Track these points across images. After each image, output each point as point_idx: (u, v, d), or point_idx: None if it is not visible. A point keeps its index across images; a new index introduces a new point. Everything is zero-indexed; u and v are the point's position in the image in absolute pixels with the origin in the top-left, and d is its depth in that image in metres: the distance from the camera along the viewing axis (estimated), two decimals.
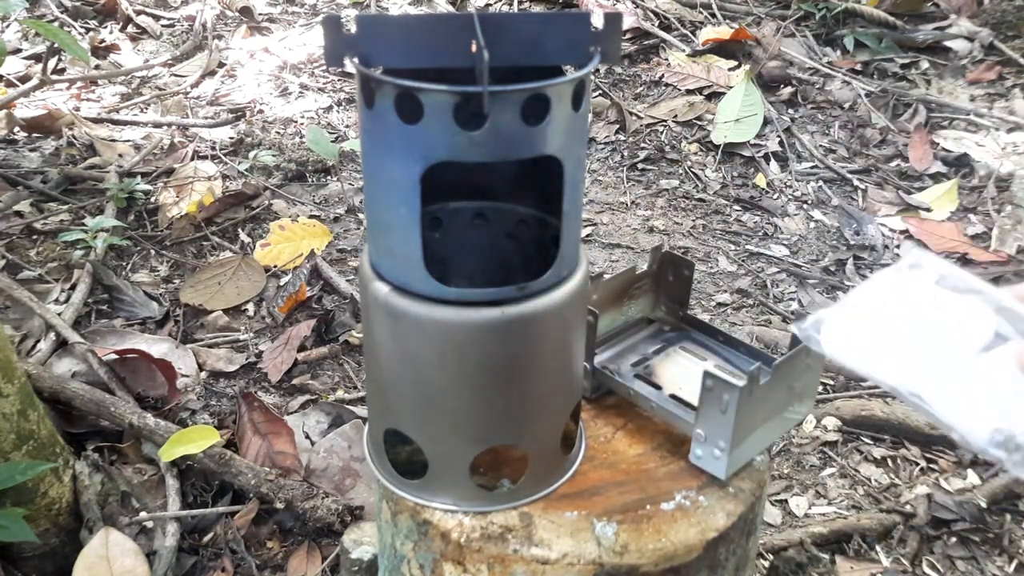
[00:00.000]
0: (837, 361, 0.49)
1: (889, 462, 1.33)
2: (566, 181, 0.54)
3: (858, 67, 2.51)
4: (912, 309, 0.50)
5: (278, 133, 2.18)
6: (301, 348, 1.45)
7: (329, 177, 2.02)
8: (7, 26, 2.66)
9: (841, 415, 1.37)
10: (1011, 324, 0.49)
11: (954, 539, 1.20)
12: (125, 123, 2.22)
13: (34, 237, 1.71)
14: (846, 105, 2.34)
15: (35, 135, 2.10)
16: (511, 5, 2.82)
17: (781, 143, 2.16)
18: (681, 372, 0.74)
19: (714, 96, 2.33)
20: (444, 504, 0.62)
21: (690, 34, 2.64)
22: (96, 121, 2.20)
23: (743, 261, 1.78)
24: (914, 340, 0.49)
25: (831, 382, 1.44)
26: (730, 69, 2.43)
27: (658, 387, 0.72)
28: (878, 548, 1.19)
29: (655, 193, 2.02)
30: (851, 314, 0.51)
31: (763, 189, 2.03)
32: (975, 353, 0.48)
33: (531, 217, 0.69)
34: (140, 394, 1.29)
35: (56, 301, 1.52)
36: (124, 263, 1.67)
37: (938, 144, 2.15)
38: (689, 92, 2.36)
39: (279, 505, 1.12)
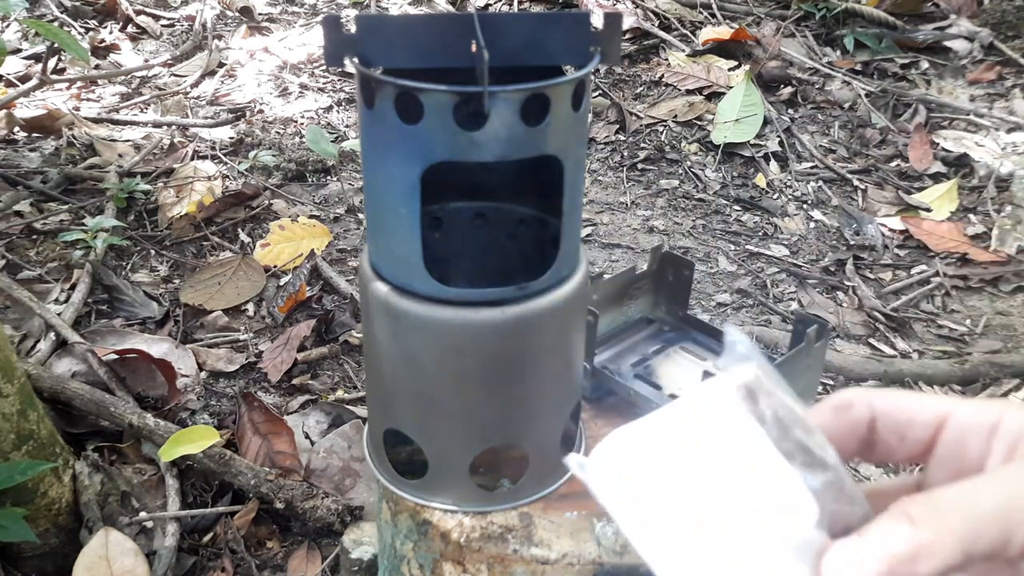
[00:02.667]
0: (599, 501, 0.36)
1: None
2: (566, 181, 0.54)
3: (858, 67, 2.51)
4: (722, 465, 0.35)
5: (278, 133, 2.18)
6: (301, 348, 1.45)
7: (329, 177, 2.02)
8: (7, 26, 2.66)
9: None
10: (826, 504, 0.35)
11: None
12: (125, 123, 2.22)
13: (34, 237, 1.71)
14: (846, 105, 2.34)
15: (35, 135, 2.10)
16: (511, 5, 2.82)
17: (781, 143, 2.16)
18: (681, 372, 0.74)
19: (714, 96, 2.33)
20: (444, 504, 0.62)
21: (690, 34, 2.64)
22: (96, 121, 2.20)
23: (743, 261, 1.78)
24: (708, 507, 0.34)
25: (831, 382, 1.44)
26: (730, 69, 2.43)
27: (658, 387, 0.72)
28: None
29: (655, 193, 2.02)
30: (634, 441, 0.36)
31: (763, 189, 2.03)
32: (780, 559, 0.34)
33: (531, 217, 0.69)
34: (140, 394, 1.29)
35: (56, 301, 1.52)
36: (124, 263, 1.67)
37: (938, 144, 2.15)
38: (689, 92, 2.36)
39: (279, 505, 1.12)
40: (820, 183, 2.06)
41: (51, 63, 2.35)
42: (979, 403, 0.37)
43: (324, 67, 2.56)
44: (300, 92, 2.42)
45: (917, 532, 0.32)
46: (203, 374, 1.40)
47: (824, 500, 0.35)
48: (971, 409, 0.37)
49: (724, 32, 2.55)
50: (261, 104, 2.35)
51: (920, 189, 2.02)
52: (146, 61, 2.60)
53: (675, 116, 2.27)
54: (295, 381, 1.40)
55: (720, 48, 2.52)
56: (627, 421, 0.62)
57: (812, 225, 1.92)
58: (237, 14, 2.89)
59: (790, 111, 2.32)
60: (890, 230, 1.88)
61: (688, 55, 2.51)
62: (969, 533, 0.32)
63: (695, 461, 0.35)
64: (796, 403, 0.37)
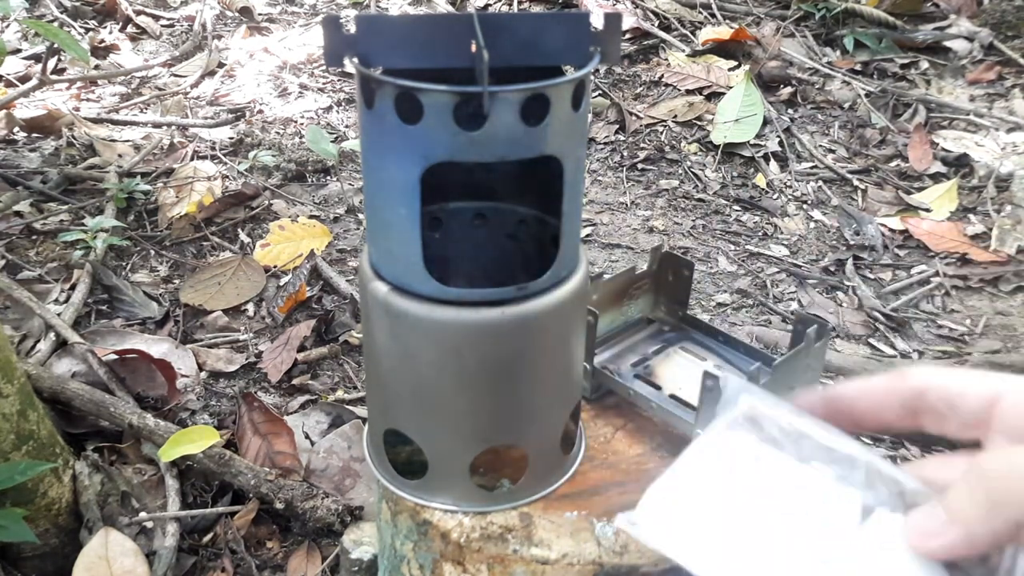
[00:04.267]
0: (660, 552, 0.38)
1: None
2: (566, 181, 0.54)
3: (858, 67, 2.51)
4: (756, 489, 0.37)
5: (278, 133, 2.18)
6: (301, 348, 1.45)
7: (329, 177, 2.02)
8: (7, 26, 2.66)
9: None
10: (875, 490, 0.38)
11: None
12: (125, 123, 2.22)
13: (34, 237, 1.71)
14: (846, 105, 2.34)
15: (35, 135, 2.10)
16: (511, 5, 2.82)
17: (781, 143, 2.16)
18: (681, 372, 0.74)
19: (714, 96, 2.33)
20: (444, 504, 0.62)
21: (690, 34, 2.64)
22: (96, 121, 2.20)
23: (743, 261, 1.78)
24: (764, 528, 0.36)
25: (831, 382, 1.44)
26: (730, 69, 2.43)
27: (658, 387, 0.71)
28: None
29: (655, 193, 2.02)
30: (673, 491, 0.38)
31: (763, 189, 2.03)
32: (846, 538, 0.36)
33: (531, 217, 0.69)
34: (140, 394, 1.29)
35: (56, 301, 1.52)
36: (124, 263, 1.67)
37: (938, 144, 2.15)
38: (689, 92, 2.36)
39: (279, 505, 1.12)
40: (820, 183, 2.06)
41: (51, 63, 2.35)
42: None
43: (324, 67, 2.56)
44: (300, 92, 2.42)
45: (994, 491, 0.34)
46: (203, 374, 1.40)
47: (872, 487, 0.38)
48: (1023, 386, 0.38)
49: (724, 32, 2.55)
50: (261, 104, 2.35)
51: (920, 189, 2.02)
52: (146, 61, 2.60)
53: (675, 116, 2.28)
54: (295, 381, 1.40)
55: (720, 48, 2.52)
56: (627, 421, 0.65)
57: (812, 225, 1.92)
58: (237, 14, 2.89)
59: (790, 111, 2.32)
60: (890, 230, 1.88)
61: (688, 55, 2.51)
62: None
63: (731, 494, 0.38)
64: (800, 416, 0.40)
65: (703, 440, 0.40)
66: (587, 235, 1.85)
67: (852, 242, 1.85)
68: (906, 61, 2.53)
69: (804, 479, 0.38)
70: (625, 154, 2.16)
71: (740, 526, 0.37)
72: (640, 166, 2.12)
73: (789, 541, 0.36)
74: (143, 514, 1.13)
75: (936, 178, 2.06)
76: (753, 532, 0.37)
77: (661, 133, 2.23)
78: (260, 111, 2.31)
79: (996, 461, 0.35)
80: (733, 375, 0.41)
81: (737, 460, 0.39)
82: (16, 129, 2.10)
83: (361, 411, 1.31)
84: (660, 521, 0.38)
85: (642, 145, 2.19)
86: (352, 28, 0.52)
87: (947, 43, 2.58)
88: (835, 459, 0.38)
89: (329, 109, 2.34)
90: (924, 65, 2.53)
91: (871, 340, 1.56)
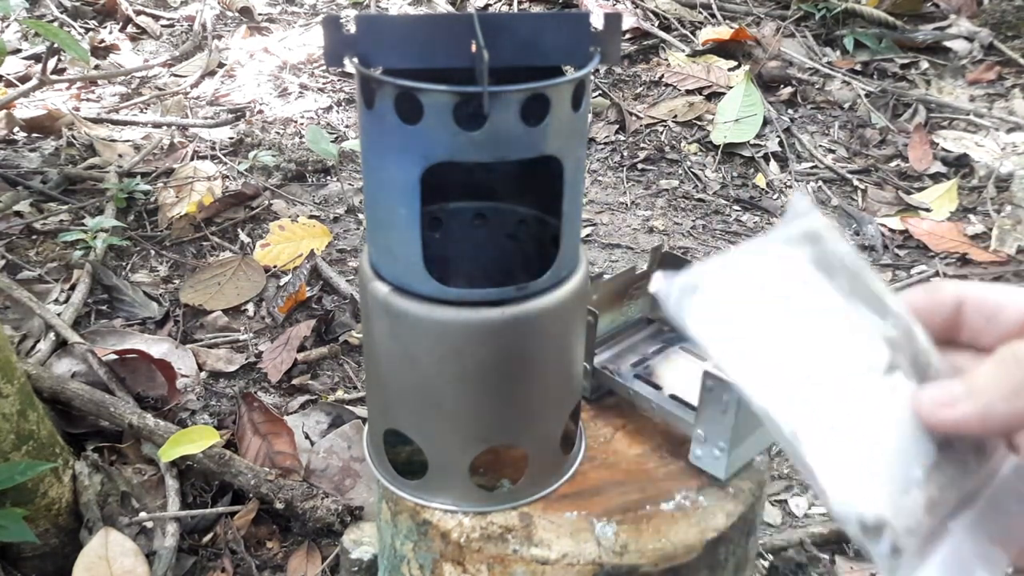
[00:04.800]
0: (701, 344, 0.37)
1: None
2: (566, 181, 0.54)
3: (858, 67, 2.51)
4: (799, 305, 0.37)
5: (278, 133, 2.18)
6: (301, 348, 1.45)
7: (329, 177, 2.02)
8: (7, 26, 2.66)
9: None
10: (903, 352, 0.37)
11: None
12: (125, 123, 2.22)
13: (34, 237, 1.71)
14: (846, 105, 2.34)
15: (35, 135, 2.10)
16: (511, 5, 2.82)
17: (781, 143, 2.16)
18: (681, 372, 0.74)
19: (714, 96, 2.33)
20: (444, 504, 0.62)
21: (690, 34, 2.64)
22: (96, 121, 2.20)
23: None
24: (796, 350, 0.36)
25: None
26: (730, 69, 2.43)
27: (658, 387, 0.71)
28: None
29: (655, 193, 2.02)
30: (728, 291, 0.38)
31: (763, 189, 2.03)
32: (864, 386, 0.36)
33: (531, 217, 0.69)
34: (140, 394, 1.29)
35: (56, 301, 1.52)
36: (124, 263, 1.67)
37: (938, 144, 2.15)
38: (689, 92, 2.36)
39: (279, 505, 1.12)
40: (820, 183, 2.06)
41: (51, 63, 2.35)
42: None
43: (324, 67, 2.56)
44: (300, 92, 2.43)
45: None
46: (203, 374, 1.40)
47: (897, 344, 0.37)
48: None
49: (724, 32, 2.55)
50: (261, 104, 2.35)
51: (920, 189, 2.02)
52: (146, 61, 2.60)
53: (675, 116, 2.28)
54: (295, 381, 1.40)
55: (720, 48, 2.52)
56: (627, 421, 0.63)
57: None
58: (237, 14, 2.89)
59: (790, 111, 2.32)
60: (890, 230, 1.88)
61: (688, 55, 2.51)
62: None
63: (771, 305, 0.37)
64: (865, 264, 0.39)
65: (759, 243, 0.39)
66: (587, 235, 1.85)
67: (852, 242, 1.85)
68: (906, 61, 2.53)
69: (842, 313, 0.37)
70: (625, 154, 2.16)
71: (769, 334, 0.37)
72: (640, 166, 2.12)
73: (807, 360, 0.36)
74: (143, 514, 1.13)
75: (936, 178, 2.06)
76: (778, 345, 0.36)
77: (661, 133, 2.23)
78: (260, 111, 2.31)
79: None
80: (802, 196, 0.40)
81: (786, 274, 0.38)
82: (16, 129, 2.10)
83: (361, 411, 1.31)
84: (711, 315, 0.37)
85: (642, 145, 2.19)
86: (352, 28, 0.52)
87: (947, 43, 2.58)
88: (878, 309, 0.38)
89: (329, 109, 2.34)
90: (924, 65, 2.53)
91: None
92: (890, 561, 0.33)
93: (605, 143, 2.21)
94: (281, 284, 1.62)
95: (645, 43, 2.60)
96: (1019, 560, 0.37)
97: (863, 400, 0.36)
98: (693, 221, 1.92)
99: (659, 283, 0.38)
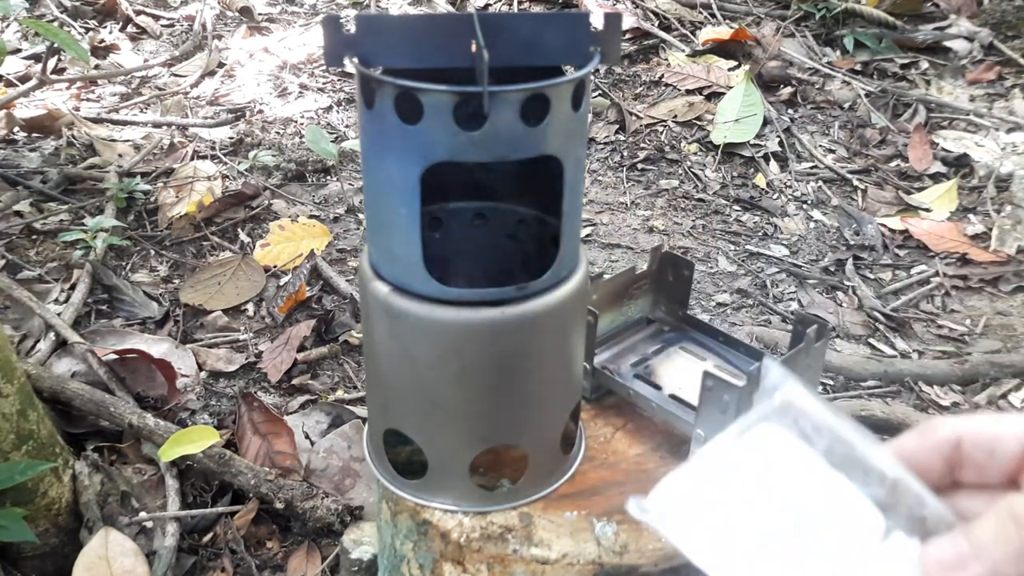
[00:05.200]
0: (670, 540, 0.36)
1: None
2: (566, 181, 0.54)
3: (858, 67, 2.51)
4: (778, 488, 0.37)
5: (278, 133, 2.18)
6: (301, 348, 1.45)
7: (329, 177, 2.02)
8: (7, 26, 2.66)
9: None
10: (896, 510, 0.37)
11: None
12: (125, 123, 2.22)
13: (34, 237, 1.71)
14: (846, 105, 2.34)
15: (35, 135, 2.10)
16: (511, 5, 2.82)
17: (781, 143, 2.16)
18: (681, 372, 0.74)
19: (714, 96, 2.33)
20: (444, 504, 0.62)
21: (690, 34, 2.64)
22: (96, 121, 2.20)
23: (743, 261, 1.78)
24: (778, 532, 0.36)
25: (831, 382, 1.44)
26: (730, 69, 2.43)
27: (658, 387, 0.72)
28: None
29: (655, 193, 2.02)
30: (692, 480, 0.37)
31: (763, 189, 2.03)
32: (859, 558, 0.36)
33: (531, 217, 0.69)
34: (140, 394, 1.29)
35: (56, 301, 1.52)
36: (124, 263, 1.67)
37: (938, 144, 2.15)
38: (689, 92, 2.36)
39: (279, 505, 1.12)
40: (820, 183, 2.06)
41: (51, 63, 2.35)
42: None
43: (324, 67, 2.56)
44: (300, 92, 2.42)
45: None
46: (203, 374, 1.40)
47: (893, 507, 0.36)
48: None
49: (724, 32, 2.55)
50: (261, 104, 2.35)
51: (920, 189, 2.02)
52: (146, 61, 2.60)
53: (675, 116, 2.28)
54: (295, 381, 1.40)
55: (720, 48, 2.52)
56: (627, 421, 0.64)
57: (812, 225, 1.92)
58: (237, 14, 2.89)
59: (790, 111, 2.32)
60: (890, 230, 1.88)
61: (688, 55, 2.51)
62: None
63: (752, 491, 0.37)
64: (836, 416, 0.38)
65: (733, 429, 0.39)
66: (587, 235, 1.85)
67: (852, 242, 1.85)
68: (906, 61, 2.53)
69: (829, 487, 0.37)
70: (625, 154, 2.16)
71: (754, 525, 0.36)
72: (640, 166, 2.12)
73: (802, 549, 0.36)
74: (143, 514, 1.13)
75: (936, 178, 2.06)
76: (766, 533, 0.36)
77: (661, 133, 2.23)
78: (260, 111, 2.31)
79: None
80: (774, 364, 0.39)
81: (765, 455, 0.38)
82: (16, 129, 2.10)
83: (361, 411, 1.31)
84: (672, 509, 0.37)
85: (642, 145, 2.19)
86: (352, 28, 0.52)
87: (947, 43, 2.58)
88: (864, 468, 0.37)
89: (329, 109, 2.34)
90: (924, 65, 2.53)
91: (871, 340, 1.56)
92: None
93: (605, 143, 2.21)
94: (281, 284, 1.62)
95: (645, 43, 2.60)
96: None
97: (864, 570, 0.35)
98: (693, 221, 1.92)
99: (633, 508, 0.37)
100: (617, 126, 2.27)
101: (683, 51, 2.53)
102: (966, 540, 0.34)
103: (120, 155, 2.01)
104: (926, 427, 0.39)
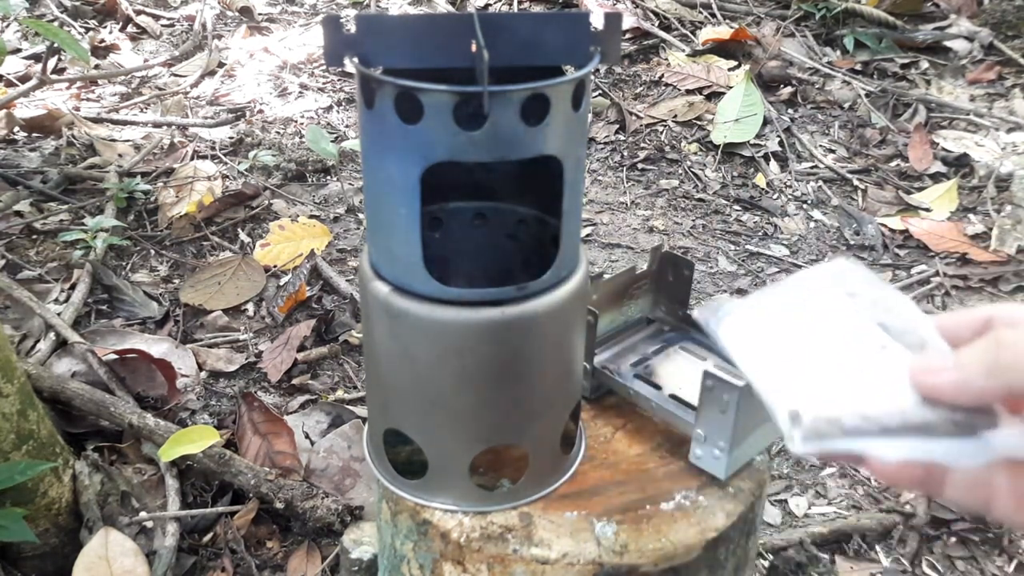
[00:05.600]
0: (727, 354, 0.46)
1: None
2: (566, 181, 0.54)
3: (858, 67, 2.51)
4: (817, 321, 0.46)
5: (278, 133, 2.18)
6: (301, 348, 1.45)
7: (329, 177, 2.02)
8: (7, 26, 2.66)
9: None
10: (899, 335, 0.44)
11: (954, 539, 1.20)
12: (125, 123, 2.22)
13: (34, 237, 1.71)
14: (846, 105, 2.34)
15: (35, 135, 2.10)
16: (511, 5, 2.82)
17: (781, 143, 2.16)
18: (681, 372, 0.74)
19: (714, 96, 2.33)
20: (444, 504, 0.62)
21: (690, 34, 2.64)
22: (96, 121, 2.20)
23: (743, 261, 1.78)
24: (800, 346, 0.45)
25: None
26: (730, 69, 2.43)
27: (658, 387, 0.71)
28: (878, 548, 1.19)
29: (655, 193, 2.02)
30: (756, 313, 0.47)
31: (763, 189, 2.03)
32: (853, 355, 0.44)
33: (531, 217, 0.69)
34: (140, 394, 1.29)
35: (56, 301, 1.52)
36: (124, 263, 1.67)
37: (938, 144, 2.15)
38: (689, 92, 2.36)
39: (279, 505, 1.12)
40: (820, 183, 2.06)
41: (51, 63, 2.35)
42: None
43: (324, 67, 2.56)
44: (300, 92, 2.42)
45: (1002, 349, 0.38)
46: (203, 374, 1.40)
47: (894, 329, 0.44)
48: None
49: (724, 32, 2.55)
50: (261, 104, 2.35)
51: (920, 189, 2.02)
52: (146, 61, 2.60)
53: (675, 116, 2.28)
54: (295, 381, 1.40)
55: (720, 48, 2.52)
56: (627, 421, 0.68)
57: (812, 225, 1.92)
58: (237, 14, 2.89)
59: (790, 111, 2.32)
60: (890, 230, 1.88)
61: (688, 55, 2.51)
62: None
63: (799, 325, 0.45)
64: (899, 298, 0.46)
65: (797, 278, 0.49)
66: (587, 235, 1.85)
67: (852, 242, 1.85)
68: (906, 61, 2.53)
69: (850, 318, 0.45)
70: (625, 154, 2.16)
71: (781, 339, 0.45)
72: (640, 166, 2.12)
73: (810, 353, 0.44)
74: (143, 514, 1.13)
75: (936, 178, 2.06)
76: (786, 344, 0.44)
77: (661, 133, 2.23)
78: (260, 111, 2.31)
79: (1013, 335, 0.39)
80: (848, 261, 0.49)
81: (810, 299, 0.47)
82: (16, 129, 2.10)
83: (361, 411, 1.31)
84: (738, 330, 0.46)
85: (642, 145, 2.19)
86: (352, 28, 0.52)
87: (947, 43, 2.58)
88: (887, 313, 0.45)
89: (329, 109, 2.34)
90: (924, 65, 2.53)
91: None
92: (791, 431, 0.40)
93: (605, 143, 2.21)
94: (281, 284, 1.62)
95: (645, 43, 2.60)
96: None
97: (851, 362, 0.43)
98: (693, 221, 1.92)
99: (700, 313, 0.48)
100: (617, 126, 2.27)
101: (683, 51, 2.53)
102: (950, 357, 0.40)
103: (120, 155, 2.01)
104: (963, 309, 0.45)
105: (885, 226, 1.89)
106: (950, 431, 0.39)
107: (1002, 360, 0.38)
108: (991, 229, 1.85)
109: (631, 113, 2.29)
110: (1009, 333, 0.39)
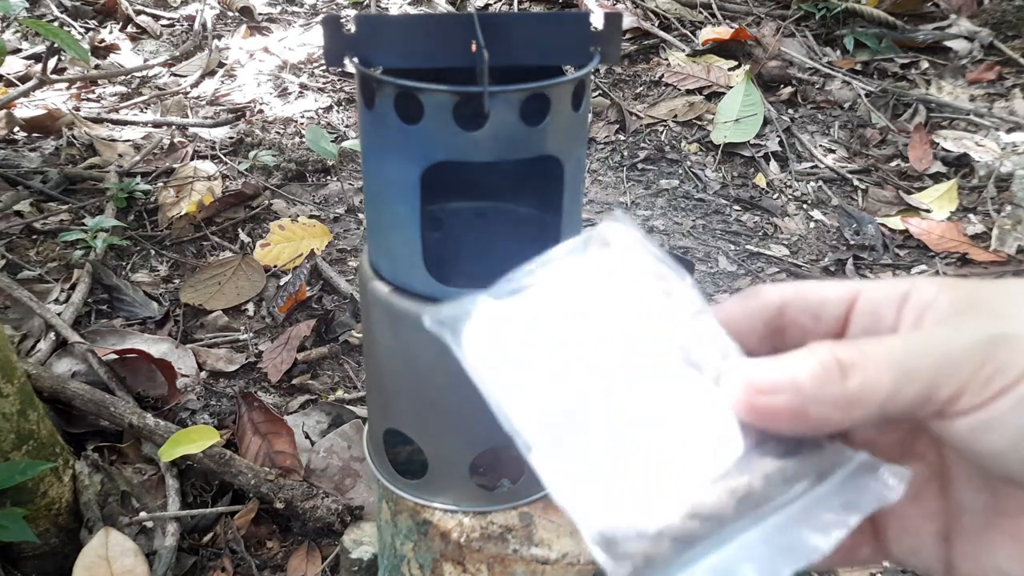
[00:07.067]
0: (474, 376, 0.33)
1: None
2: (566, 181, 0.54)
3: (858, 67, 2.51)
4: (569, 327, 0.33)
5: (278, 133, 2.18)
6: (301, 348, 1.45)
7: (329, 177, 2.02)
8: (7, 26, 2.66)
9: None
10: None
11: None
12: (125, 123, 2.22)
13: (34, 237, 1.71)
14: (846, 105, 2.34)
15: (35, 135, 2.10)
16: (511, 5, 2.82)
17: (781, 143, 2.16)
18: None
19: (714, 96, 2.33)
20: (444, 504, 0.62)
21: (690, 34, 2.64)
22: (96, 121, 2.20)
23: (743, 261, 1.78)
24: (560, 367, 0.32)
25: None
26: (730, 69, 2.43)
27: None
28: None
29: (655, 193, 2.02)
30: (515, 321, 0.34)
31: (763, 189, 2.03)
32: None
33: (531, 217, 0.69)
34: (140, 394, 1.29)
35: (56, 301, 1.52)
36: (124, 263, 1.67)
37: (938, 144, 2.15)
38: (689, 92, 2.36)
39: (279, 505, 1.12)
40: (820, 183, 2.06)
41: (51, 63, 2.35)
42: (889, 280, 0.35)
43: (324, 67, 2.56)
44: (300, 92, 2.42)
45: (850, 377, 0.29)
46: (203, 374, 1.40)
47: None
48: (881, 284, 0.35)
49: (724, 32, 2.55)
50: (261, 104, 2.35)
51: (920, 189, 2.02)
52: (146, 61, 2.60)
53: (675, 116, 2.28)
54: (295, 381, 1.40)
55: (720, 48, 2.52)
56: None
57: (812, 225, 1.92)
58: (237, 14, 2.89)
59: (790, 111, 2.32)
60: (890, 230, 1.88)
61: (688, 55, 2.51)
62: (896, 382, 0.29)
63: (542, 330, 0.34)
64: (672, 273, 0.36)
65: (553, 257, 0.37)
66: None
67: (852, 242, 1.85)
68: (906, 61, 2.53)
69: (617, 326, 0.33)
70: (625, 154, 2.16)
71: (535, 361, 0.33)
72: (640, 166, 2.12)
73: (578, 385, 0.32)
74: (143, 514, 1.13)
75: (936, 178, 2.06)
76: (543, 371, 0.33)
77: (661, 133, 2.23)
78: (260, 111, 2.31)
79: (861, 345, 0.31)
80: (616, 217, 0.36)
81: (562, 293, 0.36)
82: (16, 129, 2.10)
83: (361, 411, 1.31)
84: (483, 341, 0.34)
85: (642, 145, 2.19)
86: (352, 28, 0.52)
87: (947, 43, 2.58)
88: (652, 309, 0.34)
89: (329, 109, 2.34)
90: (924, 65, 2.53)
91: None
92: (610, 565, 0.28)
93: (605, 143, 2.21)
94: (281, 284, 1.62)
95: (645, 43, 2.60)
96: (851, 554, 0.35)
97: (653, 405, 0.31)
98: (693, 221, 1.92)
99: (431, 322, 0.34)
100: (617, 126, 2.27)
101: (683, 51, 2.53)
102: (780, 372, 0.30)
103: (120, 155, 2.01)
104: (749, 292, 0.36)
105: (885, 226, 1.89)
106: (823, 478, 0.29)
107: (910, 365, 0.29)
108: (991, 229, 1.85)
109: (631, 113, 2.29)
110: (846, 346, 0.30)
